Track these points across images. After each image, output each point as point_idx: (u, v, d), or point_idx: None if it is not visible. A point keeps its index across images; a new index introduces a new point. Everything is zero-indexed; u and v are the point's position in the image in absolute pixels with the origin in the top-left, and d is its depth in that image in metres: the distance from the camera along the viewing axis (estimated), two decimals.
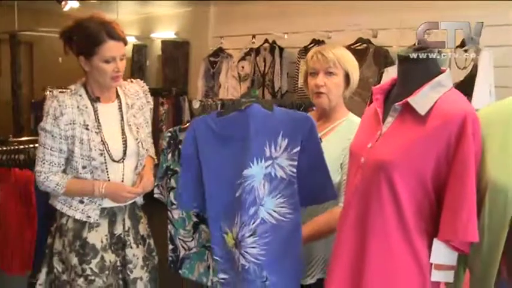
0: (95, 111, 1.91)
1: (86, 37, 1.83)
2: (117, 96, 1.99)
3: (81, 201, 1.92)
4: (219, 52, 5.29)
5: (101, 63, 1.84)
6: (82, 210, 1.91)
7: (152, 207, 3.51)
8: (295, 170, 1.68)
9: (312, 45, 4.41)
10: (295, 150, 1.68)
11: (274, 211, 1.70)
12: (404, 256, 1.34)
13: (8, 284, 2.67)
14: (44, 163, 1.88)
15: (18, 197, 2.53)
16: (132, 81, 2.09)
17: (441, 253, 1.31)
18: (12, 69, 5.75)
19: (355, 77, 1.86)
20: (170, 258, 2.13)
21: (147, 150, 2.04)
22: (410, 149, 1.31)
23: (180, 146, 2.08)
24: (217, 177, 1.73)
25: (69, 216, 1.93)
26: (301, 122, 1.69)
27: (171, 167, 2.11)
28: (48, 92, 3.71)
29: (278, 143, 1.69)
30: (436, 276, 1.33)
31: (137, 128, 1.99)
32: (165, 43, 6.20)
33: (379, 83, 3.36)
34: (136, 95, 2.04)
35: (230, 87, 5.07)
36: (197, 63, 5.60)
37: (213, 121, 1.76)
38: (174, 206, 2.11)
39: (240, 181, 1.69)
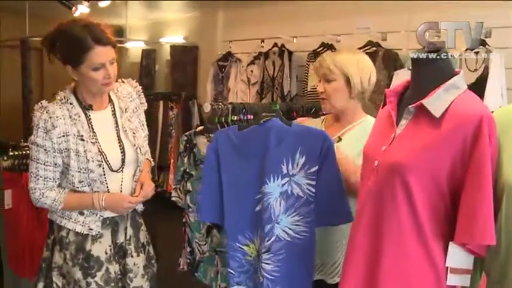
0: (88, 119, 1.79)
1: (71, 44, 1.70)
2: (110, 100, 1.88)
3: (82, 213, 1.82)
4: (228, 56, 5.31)
5: (90, 72, 1.70)
6: (83, 222, 1.82)
7: (157, 212, 3.51)
8: (313, 190, 1.69)
9: (321, 48, 4.41)
10: (312, 170, 1.69)
11: (290, 229, 1.72)
12: (419, 259, 1.32)
13: (19, 286, 2.67)
14: (38, 179, 1.77)
15: (29, 201, 2.51)
16: (123, 82, 1.96)
17: (457, 256, 1.30)
18: (23, 74, 5.81)
19: (356, 79, 1.84)
20: (188, 261, 2.16)
21: (145, 154, 1.93)
22: (425, 151, 1.30)
23: (194, 150, 2.09)
24: (237, 191, 1.75)
25: (69, 228, 1.83)
26: (318, 140, 1.69)
27: (187, 170, 2.12)
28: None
29: (295, 160, 1.70)
30: (452, 280, 1.31)
31: (133, 132, 1.88)
32: (174, 48, 6.23)
33: (389, 86, 3.34)
34: (130, 97, 1.92)
35: (239, 91, 5.08)
36: (206, 68, 5.62)
37: (235, 134, 1.78)
38: (190, 209, 2.12)
39: (259, 196, 1.72)
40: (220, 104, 2.27)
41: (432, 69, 1.38)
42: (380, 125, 1.53)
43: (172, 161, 5.19)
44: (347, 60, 1.86)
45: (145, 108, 2.00)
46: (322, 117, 2.06)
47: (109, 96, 1.88)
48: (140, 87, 2.00)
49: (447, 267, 1.32)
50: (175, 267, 2.26)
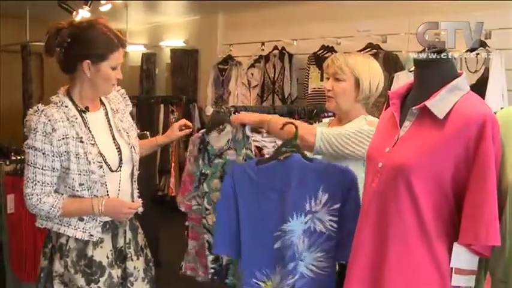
0: (85, 121, 1.80)
1: (101, 41, 1.75)
2: (101, 103, 1.90)
3: (81, 219, 1.79)
4: (228, 59, 5.32)
5: (109, 70, 1.77)
6: (83, 228, 1.79)
7: (159, 215, 3.51)
8: (336, 226, 1.67)
9: (321, 51, 4.42)
10: (335, 207, 1.67)
11: (313, 265, 1.70)
12: (424, 260, 1.33)
13: None
14: (35, 184, 1.72)
15: None
16: None
17: (462, 257, 1.30)
18: (24, 79, 5.82)
19: (365, 82, 1.86)
20: (213, 270, 2.05)
21: (138, 154, 1.94)
22: (428, 153, 1.31)
23: (208, 147, 2.05)
24: (255, 227, 1.73)
25: (69, 235, 1.79)
26: (341, 176, 1.67)
27: (203, 171, 2.06)
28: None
29: (318, 198, 1.68)
30: (457, 280, 1.31)
31: (127, 132, 1.90)
32: (174, 51, 6.24)
33: (390, 88, 3.35)
34: (117, 99, 1.96)
35: (240, 95, 5.09)
36: (206, 71, 5.63)
37: (252, 169, 1.75)
38: (208, 212, 2.05)
39: (279, 234, 1.70)
40: (223, 107, 2.26)
41: (435, 71, 1.38)
42: (383, 126, 1.53)
43: (173, 164, 5.19)
44: (360, 63, 1.87)
45: (131, 109, 2.03)
46: (325, 119, 2.07)
47: (100, 99, 1.90)
48: (123, 90, 2.02)
49: (452, 268, 1.32)
50: (178, 270, 2.25)
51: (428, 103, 1.33)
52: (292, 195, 1.68)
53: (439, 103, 1.32)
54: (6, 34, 5.94)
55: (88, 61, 1.75)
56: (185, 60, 6.09)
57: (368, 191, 1.46)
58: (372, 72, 1.88)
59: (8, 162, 2.72)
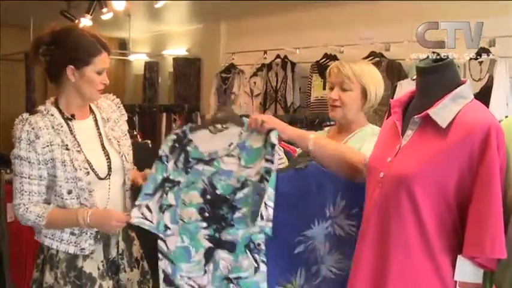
0: (71, 129, 1.79)
1: (82, 45, 1.76)
2: (91, 111, 1.89)
3: (73, 233, 1.76)
4: (231, 68, 5.31)
5: (93, 74, 1.76)
6: (75, 242, 1.76)
7: None
8: (355, 229, 1.66)
9: (324, 59, 4.41)
10: (353, 211, 1.66)
11: (334, 267, 1.71)
12: (427, 273, 1.30)
13: None
14: (22, 194, 1.71)
15: None
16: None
17: (466, 270, 1.27)
18: (27, 88, 5.84)
19: (372, 92, 1.83)
20: None
21: (131, 163, 1.91)
22: (431, 162, 1.28)
23: (188, 148, 1.72)
24: (273, 235, 1.68)
25: (62, 250, 1.77)
26: (358, 183, 1.64)
27: (171, 177, 1.71)
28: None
29: (336, 203, 1.68)
30: None
31: (117, 141, 1.88)
32: (177, 60, 6.25)
33: (393, 97, 3.33)
34: (110, 109, 1.95)
35: (242, 103, 5.08)
36: (209, 80, 5.63)
37: None
38: (169, 232, 1.69)
39: (301, 239, 1.70)
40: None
41: (438, 79, 1.36)
42: (385, 136, 1.51)
43: None
44: (366, 72, 1.84)
45: (126, 119, 2.00)
46: (327, 128, 2.03)
47: (90, 107, 1.89)
48: (118, 99, 2.01)
49: (456, 281, 1.29)
50: None
51: (430, 112, 1.31)
52: (314, 202, 1.68)
53: (442, 112, 1.30)
54: (10, 43, 5.97)
55: (72, 66, 1.75)
56: (188, 69, 6.10)
57: (369, 202, 1.43)
58: (376, 81, 1.85)
59: (8, 171, 2.72)
